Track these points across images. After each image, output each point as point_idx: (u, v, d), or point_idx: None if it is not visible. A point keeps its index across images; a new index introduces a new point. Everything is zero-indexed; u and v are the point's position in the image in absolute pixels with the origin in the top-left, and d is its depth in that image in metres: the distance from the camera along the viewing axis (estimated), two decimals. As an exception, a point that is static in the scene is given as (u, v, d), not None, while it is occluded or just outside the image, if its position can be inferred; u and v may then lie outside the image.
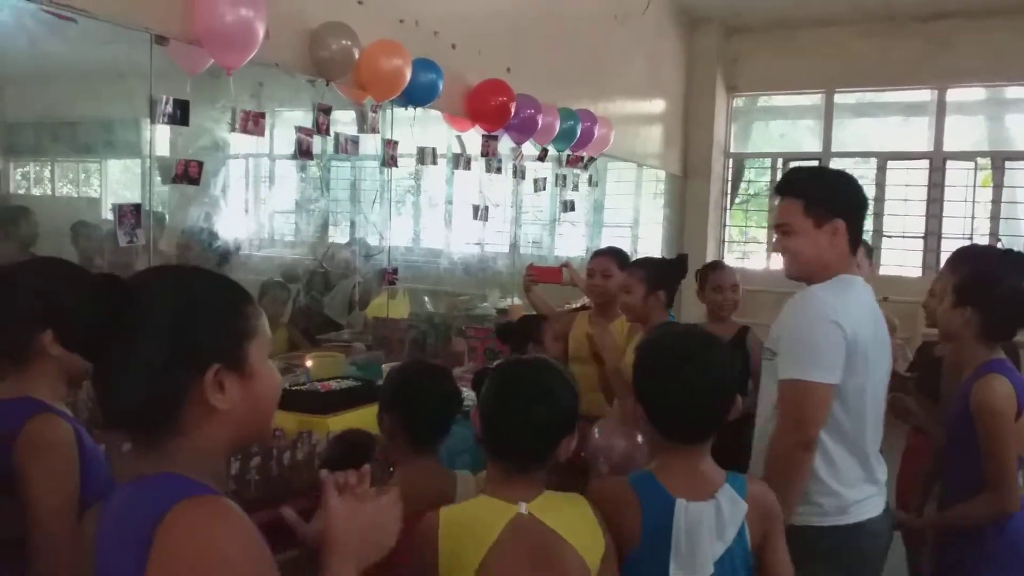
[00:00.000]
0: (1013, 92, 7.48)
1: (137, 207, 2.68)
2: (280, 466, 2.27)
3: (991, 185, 7.29)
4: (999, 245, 6.92)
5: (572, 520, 1.48)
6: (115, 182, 4.88)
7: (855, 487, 1.96)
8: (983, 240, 7.17)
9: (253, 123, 3.07)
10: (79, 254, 2.68)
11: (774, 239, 2.13)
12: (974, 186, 7.32)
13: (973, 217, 7.27)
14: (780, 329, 1.97)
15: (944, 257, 7.17)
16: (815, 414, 1.86)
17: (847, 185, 2.10)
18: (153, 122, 2.73)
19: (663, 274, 3.01)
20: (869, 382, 1.95)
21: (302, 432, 2.37)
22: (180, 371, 0.97)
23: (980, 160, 7.34)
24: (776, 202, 2.13)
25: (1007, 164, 7.21)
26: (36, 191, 3.17)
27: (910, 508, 2.77)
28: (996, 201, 7.24)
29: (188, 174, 2.83)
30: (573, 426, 1.53)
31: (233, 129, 3.04)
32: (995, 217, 7.22)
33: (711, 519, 1.50)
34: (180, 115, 2.79)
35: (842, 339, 1.88)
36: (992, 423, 2.12)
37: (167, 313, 0.98)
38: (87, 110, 3.20)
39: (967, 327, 2.22)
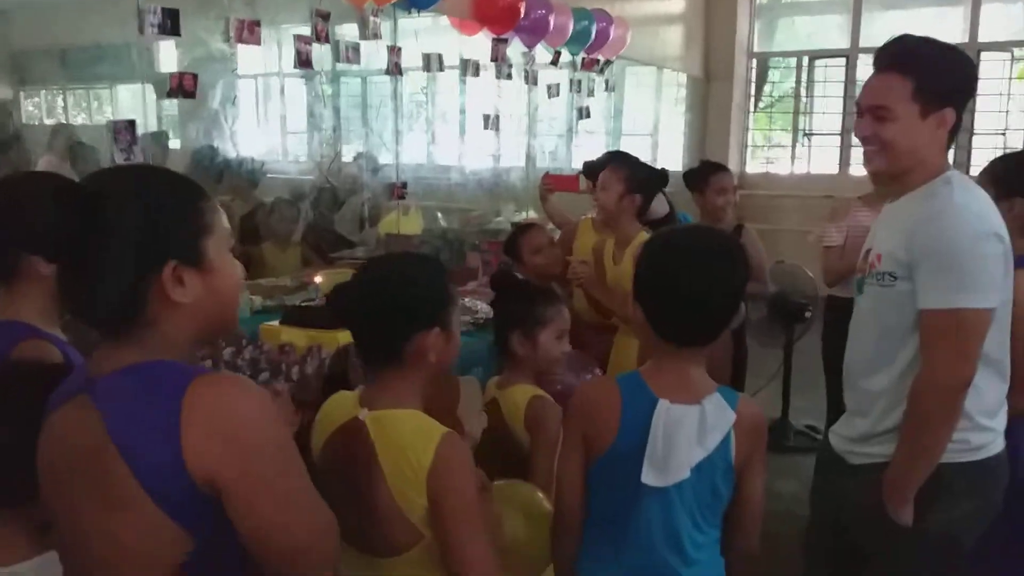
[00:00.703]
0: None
1: (132, 123, 2.59)
2: (289, 380, 2.26)
3: (1029, 77, 6.97)
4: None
5: (398, 451, 1.33)
6: (123, 105, 4.79)
7: (997, 416, 1.73)
8: (1017, 136, 6.90)
9: (248, 31, 2.95)
10: (77, 174, 2.63)
11: (859, 121, 1.73)
12: (1010, 79, 6.99)
13: (1007, 112, 6.96)
14: (918, 248, 1.63)
15: (975, 154, 6.94)
16: (978, 346, 1.61)
17: (967, 66, 1.76)
18: (142, 33, 2.62)
19: (643, 180, 2.89)
20: (1008, 295, 1.69)
21: (311, 347, 2.35)
22: (142, 268, 1.02)
23: (1016, 51, 6.99)
24: (872, 77, 1.73)
25: (1047, 54, 6.87)
26: (49, 119, 3.11)
27: None
28: (1034, 94, 6.93)
29: (183, 87, 2.73)
30: (429, 321, 1.39)
31: (227, 39, 2.93)
32: (1032, 111, 6.92)
33: (692, 423, 1.42)
34: (170, 25, 2.67)
35: (1002, 253, 1.63)
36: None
37: (126, 214, 1.01)
38: (83, 35, 3.11)
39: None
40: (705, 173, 3.46)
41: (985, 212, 1.64)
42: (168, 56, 3.97)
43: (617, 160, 3.09)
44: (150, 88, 3.65)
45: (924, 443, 1.64)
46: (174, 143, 3.80)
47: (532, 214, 4.74)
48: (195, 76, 2.73)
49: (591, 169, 3.36)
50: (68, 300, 1.08)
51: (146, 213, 1.01)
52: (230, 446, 0.97)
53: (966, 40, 7.05)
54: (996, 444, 1.71)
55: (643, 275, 1.50)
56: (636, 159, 3.15)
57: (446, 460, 1.31)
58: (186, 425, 0.95)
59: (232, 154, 3.51)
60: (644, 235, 2.83)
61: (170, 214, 1.04)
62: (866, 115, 1.70)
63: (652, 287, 1.48)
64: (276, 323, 2.69)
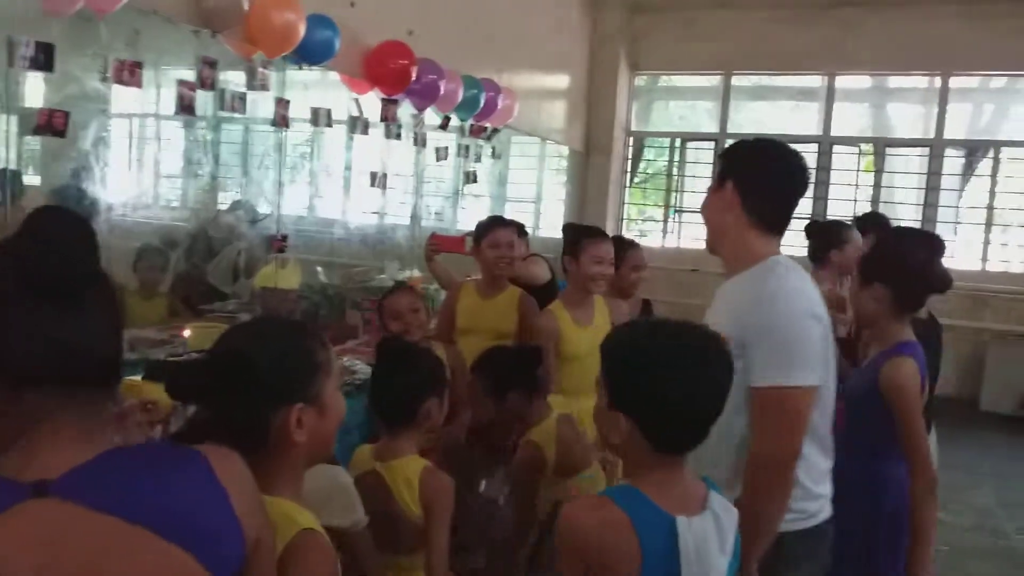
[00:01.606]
0: (895, 82, 7.85)
1: (-8, 160, 2.43)
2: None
3: (873, 170, 7.65)
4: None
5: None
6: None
7: (824, 483, 1.86)
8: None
9: (129, 73, 2.83)
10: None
11: None
12: (858, 170, 7.66)
13: (856, 200, 7.60)
14: (749, 328, 1.71)
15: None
16: (803, 422, 1.69)
17: (750, 149, 1.93)
18: (11, 66, 2.47)
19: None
20: (830, 373, 1.83)
21: (176, 405, 2.21)
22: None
23: (863, 146, 7.69)
24: None
25: (888, 151, 7.58)
26: None
27: None
28: (877, 185, 7.61)
29: (52, 125, 2.58)
30: (289, 395, 1.25)
31: (105, 79, 2.80)
32: (876, 201, 7.58)
33: (712, 532, 1.32)
34: (44, 60, 2.53)
35: (822, 334, 1.74)
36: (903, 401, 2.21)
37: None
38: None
39: (875, 303, 2.30)
40: (619, 248, 3.37)
41: (809, 293, 1.78)
42: (34, 90, 3.75)
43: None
44: (12, 121, 3.42)
45: (762, 513, 1.72)
46: (33, 179, 3.57)
47: (416, 273, 4.73)
48: (67, 114, 2.59)
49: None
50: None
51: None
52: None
53: (820, 133, 7.69)
54: (825, 510, 1.86)
55: (634, 384, 1.34)
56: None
57: (295, 559, 1.21)
58: (229, 489, 0.99)
59: (100, 195, 3.33)
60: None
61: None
62: None
63: (650, 397, 1.32)
64: (138, 378, 2.52)
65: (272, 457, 1.26)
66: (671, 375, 1.31)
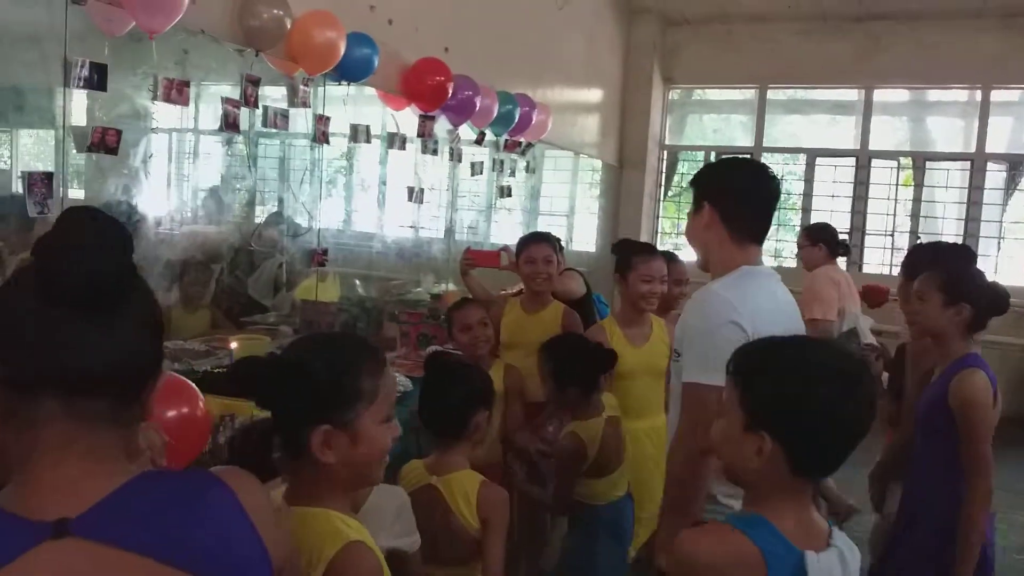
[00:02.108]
0: (934, 95, 7.75)
1: (49, 176, 2.50)
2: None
3: (912, 184, 7.55)
4: (918, 243, 7.19)
5: (307, 540, 1.28)
6: (27, 152, 4.61)
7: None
8: (903, 238, 7.44)
9: (177, 92, 2.91)
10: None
11: None
12: (896, 184, 7.56)
13: (895, 215, 7.51)
14: (682, 330, 1.94)
15: (868, 253, 7.43)
16: (710, 420, 1.74)
17: (716, 170, 2.16)
18: (68, 86, 2.55)
19: None
20: None
21: (224, 416, 2.27)
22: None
23: (902, 160, 7.59)
24: None
25: (928, 164, 7.48)
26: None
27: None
28: (916, 200, 7.50)
29: (105, 142, 2.66)
30: (319, 414, 1.27)
31: (155, 97, 2.88)
32: (915, 215, 7.48)
33: (839, 571, 1.25)
34: (98, 79, 2.61)
35: (742, 339, 1.76)
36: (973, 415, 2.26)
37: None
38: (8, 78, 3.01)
39: (955, 323, 2.38)
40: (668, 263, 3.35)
41: (733, 301, 1.87)
42: (79, 106, 3.86)
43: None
44: (53, 135, 3.52)
45: (673, 497, 1.90)
46: (77, 192, 3.67)
47: (451, 287, 4.77)
48: (119, 132, 2.67)
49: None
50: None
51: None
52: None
53: (858, 147, 7.62)
54: None
55: (794, 401, 1.25)
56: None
57: (342, 571, 1.23)
58: (255, 518, 0.93)
59: (145, 210, 3.41)
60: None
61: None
62: None
63: (813, 415, 1.24)
64: (185, 389, 2.58)
65: (312, 472, 1.30)
66: (837, 392, 1.24)
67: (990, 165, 7.30)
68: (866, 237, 7.60)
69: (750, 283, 1.93)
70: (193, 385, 2.08)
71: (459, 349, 3.04)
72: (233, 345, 3.06)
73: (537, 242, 3.44)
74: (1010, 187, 7.40)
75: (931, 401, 2.38)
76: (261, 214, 4.24)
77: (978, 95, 7.28)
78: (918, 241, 7.27)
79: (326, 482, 1.30)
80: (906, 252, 3.02)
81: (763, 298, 1.92)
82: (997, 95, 7.25)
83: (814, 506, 1.32)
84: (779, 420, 1.25)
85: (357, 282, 4.44)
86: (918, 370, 2.66)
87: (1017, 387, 6.75)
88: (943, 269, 2.48)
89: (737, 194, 2.01)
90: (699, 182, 2.08)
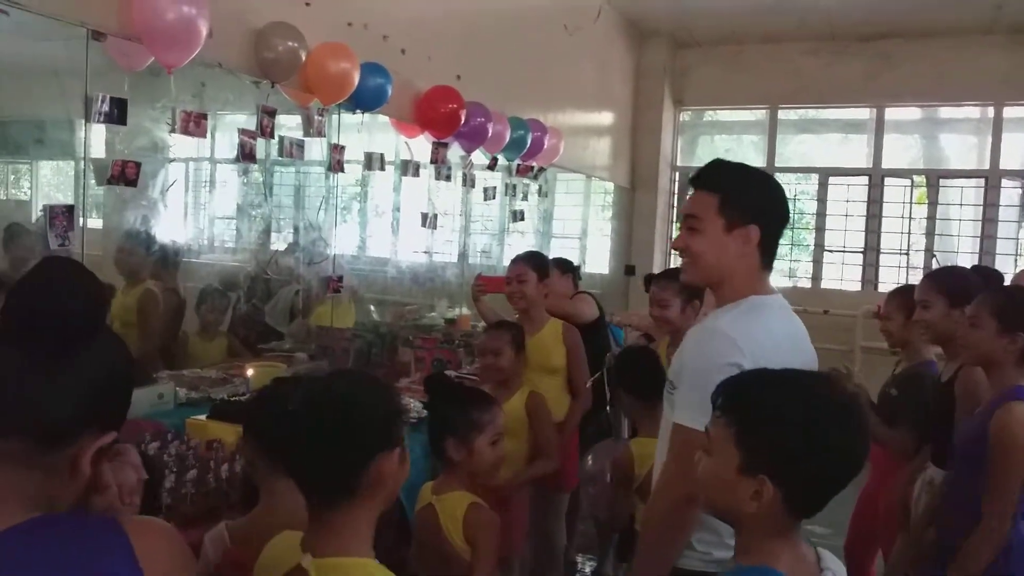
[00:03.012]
0: (947, 112, 7.75)
1: (70, 208, 2.55)
2: (218, 479, 2.18)
3: (926, 202, 7.52)
4: (934, 261, 7.15)
5: None
6: (47, 184, 4.70)
7: None
8: (918, 256, 7.41)
9: (195, 124, 2.97)
10: (9, 258, 2.55)
11: (677, 234, 1.87)
12: (910, 203, 7.54)
13: (910, 233, 7.48)
14: (680, 363, 1.74)
15: (883, 272, 7.37)
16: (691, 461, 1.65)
17: (772, 189, 1.84)
18: (88, 121, 2.61)
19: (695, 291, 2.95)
20: None
21: (239, 443, 2.28)
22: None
23: (916, 178, 7.57)
24: (689, 193, 1.87)
25: (941, 182, 7.45)
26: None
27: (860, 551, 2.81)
28: (931, 218, 7.47)
29: (125, 175, 2.72)
30: (390, 441, 1.31)
31: (173, 130, 2.93)
32: (930, 233, 7.45)
33: None
34: (117, 114, 2.67)
35: None
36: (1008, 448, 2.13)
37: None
38: (18, 109, 3.08)
39: (1010, 352, 2.24)
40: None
41: (739, 341, 1.66)
42: (98, 139, 3.94)
43: (665, 278, 3.24)
44: (72, 167, 3.59)
45: (651, 543, 1.73)
46: (96, 223, 3.74)
47: (465, 311, 4.79)
48: (139, 164, 2.73)
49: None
50: None
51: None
52: None
53: (870, 166, 7.61)
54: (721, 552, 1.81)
55: (794, 444, 1.18)
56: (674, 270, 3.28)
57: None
58: (147, 570, 0.92)
59: (163, 239, 3.47)
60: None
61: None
62: (682, 228, 1.83)
63: (814, 456, 1.18)
64: (203, 417, 2.61)
65: (355, 511, 1.28)
66: (838, 428, 1.19)
67: (1004, 182, 7.26)
68: (880, 256, 7.57)
69: (758, 317, 1.75)
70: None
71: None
72: (249, 372, 3.09)
73: (514, 262, 3.53)
74: (1025, 204, 7.36)
75: (973, 434, 2.25)
76: (277, 242, 4.29)
77: (991, 112, 7.27)
78: (933, 258, 7.24)
79: (362, 520, 1.31)
80: (943, 276, 2.82)
81: (772, 333, 1.74)
82: (1010, 111, 7.23)
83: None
84: (780, 464, 1.18)
85: (372, 307, 4.47)
86: (968, 400, 2.46)
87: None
88: (1001, 294, 2.34)
89: (782, 216, 1.82)
90: (742, 195, 1.77)
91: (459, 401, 2.24)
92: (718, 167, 1.86)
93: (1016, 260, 7.12)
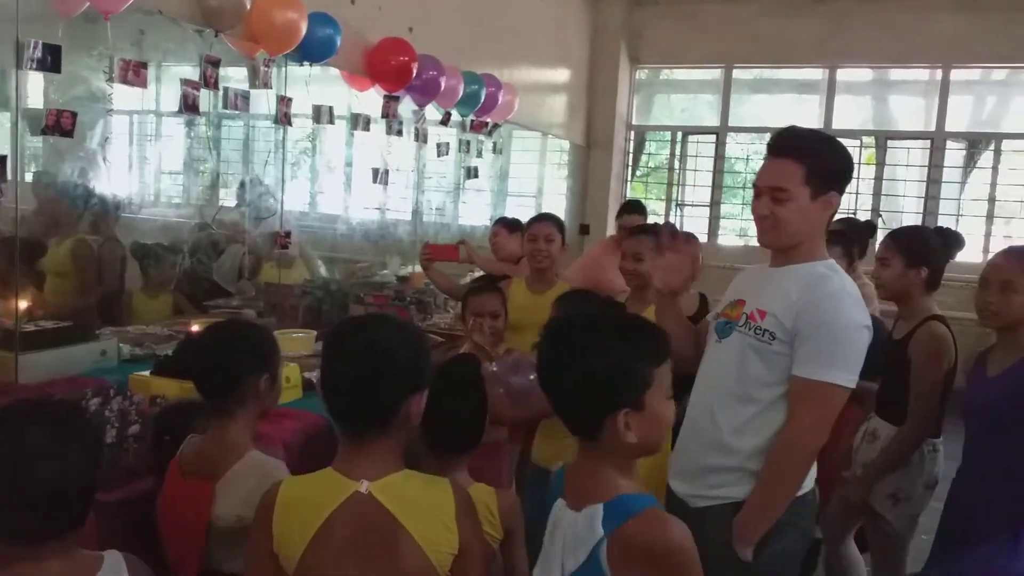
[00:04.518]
0: (896, 74, 7.85)
1: (2, 159, 2.46)
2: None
3: (875, 163, 7.66)
4: (879, 221, 7.30)
5: (421, 508, 1.40)
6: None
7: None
8: (865, 216, 7.56)
9: (134, 73, 2.87)
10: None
11: (757, 200, 1.90)
12: (859, 163, 7.66)
13: (857, 193, 7.62)
14: (805, 322, 1.79)
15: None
16: (833, 417, 1.81)
17: (846, 156, 1.93)
18: (20, 68, 2.50)
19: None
20: None
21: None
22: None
23: (865, 139, 7.70)
24: (766, 161, 1.92)
25: (889, 143, 7.59)
26: None
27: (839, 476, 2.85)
28: (879, 178, 7.62)
29: (60, 125, 2.62)
30: (416, 385, 1.45)
31: (111, 79, 2.83)
32: (877, 194, 7.60)
33: (570, 531, 1.36)
34: (51, 61, 2.56)
35: (866, 343, 1.83)
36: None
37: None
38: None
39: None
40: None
41: (863, 306, 1.85)
42: (34, 89, 3.79)
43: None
44: (7, 118, 3.45)
45: (779, 492, 1.83)
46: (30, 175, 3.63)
47: (418, 268, 4.76)
48: (74, 114, 2.63)
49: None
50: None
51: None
52: None
53: (822, 126, 7.70)
54: (811, 479, 1.92)
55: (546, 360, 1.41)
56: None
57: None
58: None
59: (101, 191, 3.36)
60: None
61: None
62: (764, 196, 1.88)
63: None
64: (147, 373, 2.57)
65: (388, 440, 1.45)
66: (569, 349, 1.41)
67: (949, 143, 7.42)
68: (829, 216, 7.70)
69: (852, 283, 1.91)
70: None
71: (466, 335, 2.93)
72: (195, 329, 3.04)
73: (540, 221, 3.49)
74: (969, 165, 7.54)
75: (999, 396, 2.21)
76: (224, 197, 4.21)
77: (939, 74, 7.39)
78: (879, 218, 7.40)
79: (396, 448, 1.46)
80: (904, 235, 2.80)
81: None
82: (957, 74, 7.36)
83: (606, 470, 1.38)
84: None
85: (320, 264, 4.42)
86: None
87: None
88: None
89: (850, 180, 1.94)
90: (833, 168, 1.88)
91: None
92: (798, 135, 1.92)
93: (958, 220, 7.31)
